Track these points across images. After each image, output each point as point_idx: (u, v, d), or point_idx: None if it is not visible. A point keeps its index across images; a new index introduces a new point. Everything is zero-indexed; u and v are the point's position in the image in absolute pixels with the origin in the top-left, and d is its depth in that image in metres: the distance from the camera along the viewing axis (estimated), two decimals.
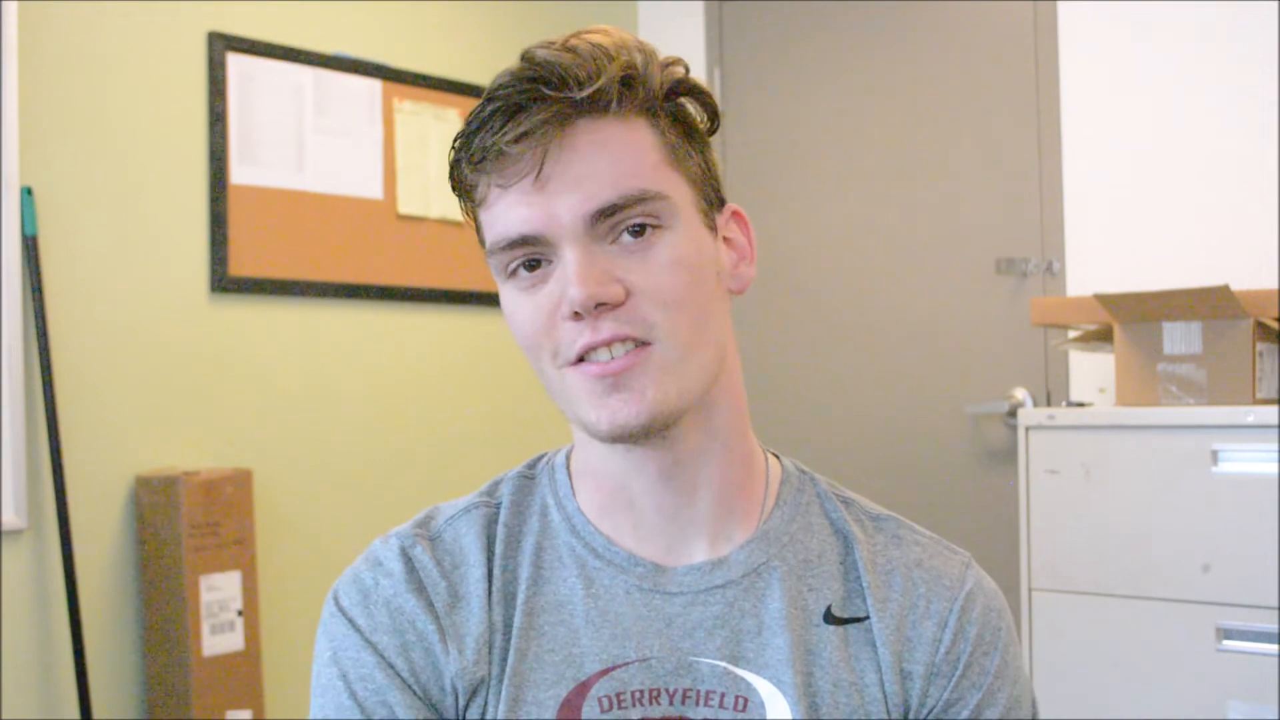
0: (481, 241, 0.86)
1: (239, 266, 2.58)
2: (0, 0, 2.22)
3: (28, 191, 2.27)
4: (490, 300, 2.98)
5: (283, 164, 2.66)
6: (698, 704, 0.84)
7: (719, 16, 3.25)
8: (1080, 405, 2.28)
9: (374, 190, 2.82)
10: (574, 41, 0.82)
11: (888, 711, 0.85)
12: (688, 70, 0.87)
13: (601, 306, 0.80)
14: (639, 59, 0.83)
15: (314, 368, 2.72)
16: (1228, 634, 1.91)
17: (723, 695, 0.84)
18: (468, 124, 0.83)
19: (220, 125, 2.56)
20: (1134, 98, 2.56)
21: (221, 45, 2.56)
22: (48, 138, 2.32)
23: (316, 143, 2.72)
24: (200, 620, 2.31)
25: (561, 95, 0.80)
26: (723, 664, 0.85)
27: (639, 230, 0.81)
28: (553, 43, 0.82)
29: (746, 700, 0.84)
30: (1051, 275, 2.69)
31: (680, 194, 0.84)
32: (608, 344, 0.80)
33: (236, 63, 2.59)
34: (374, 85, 2.83)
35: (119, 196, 2.43)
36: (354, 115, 2.79)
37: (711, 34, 3.25)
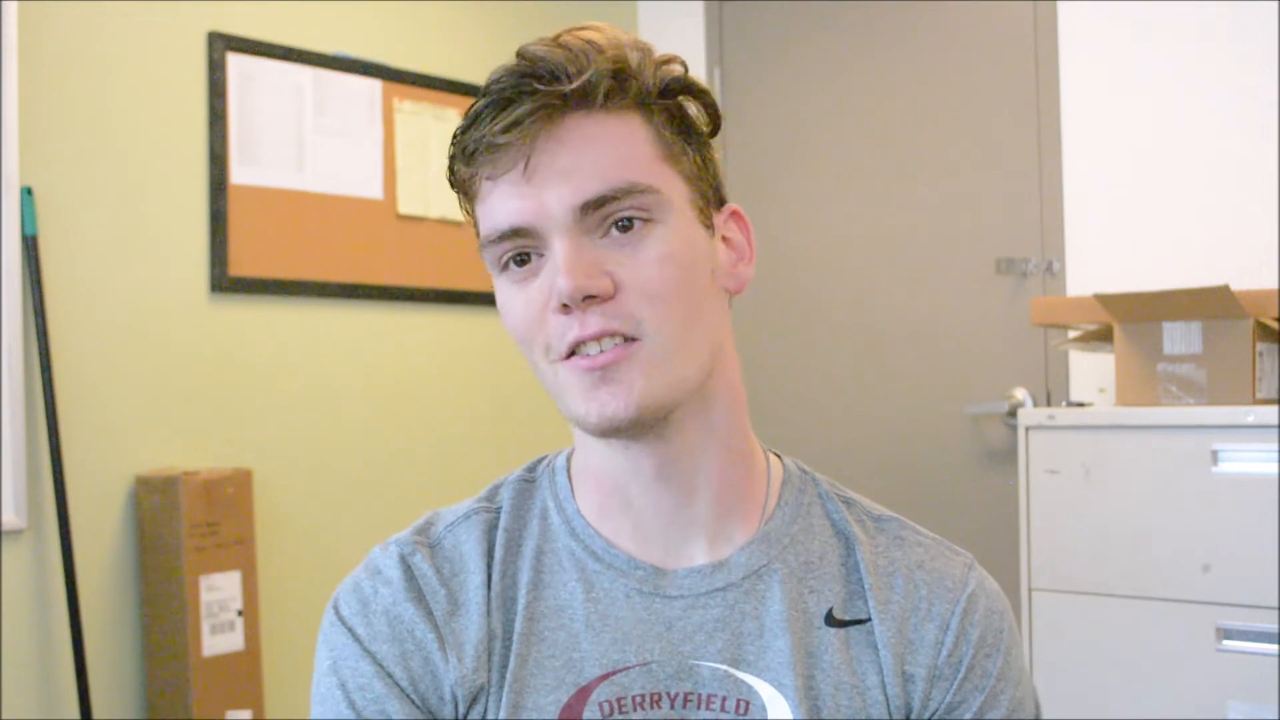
0: (479, 237, 0.87)
1: (239, 266, 2.58)
2: (1, 0, 2.22)
3: (28, 191, 2.27)
4: (490, 300, 2.97)
5: (283, 164, 2.66)
6: (699, 707, 0.83)
7: (719, 16, 3.25)
8: (1080, 405, 2.28)
9: (374, 190, 2.82)
10: (566, 38, 0.82)
11: (889, 714, 0.85)
12: (686, 69, 0.87)
13: (590, 299, 0.80)
14: (632, 55, 0.83)
15: (314, 368, 2.72)
16: (1228, 634, 1.91)
17: (724, 698, 0.84)
18: (463, 120, 0.84)
19: (220, 125, 2.56)
20: (1134, 98, 2.56)
21: (221, 45, 2.56)
22: (48, 138, 2.32)
23: (316, 143, 2.72)
24: (200, 620, 2.31)
25: (550, 88, 0.80)
26: (724, 667, 0.84)
27: (628, 224, 0.81)
28: (546, 39, 0.82)
29: (748, 703, 0.83)
30: (1051, 275, 2.69)
31: (673, 189, 0.84)
32: (596, 338, 0.80)
33: (236, 63, 2.59)
34: (374, 85, 2.83)
35: (119, 196, 2.42)
36: (354, 115, 2.79)
37: (711, 34, 3.25)
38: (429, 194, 2.91)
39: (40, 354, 2.26)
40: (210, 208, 2.55)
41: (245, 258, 2.59)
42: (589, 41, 0.82)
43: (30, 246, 2.26)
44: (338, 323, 2.76)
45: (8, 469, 2.21)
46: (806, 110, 3.10)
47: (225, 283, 2.56)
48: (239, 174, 2.59)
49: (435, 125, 2.93)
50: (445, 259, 2.93)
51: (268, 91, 2.65)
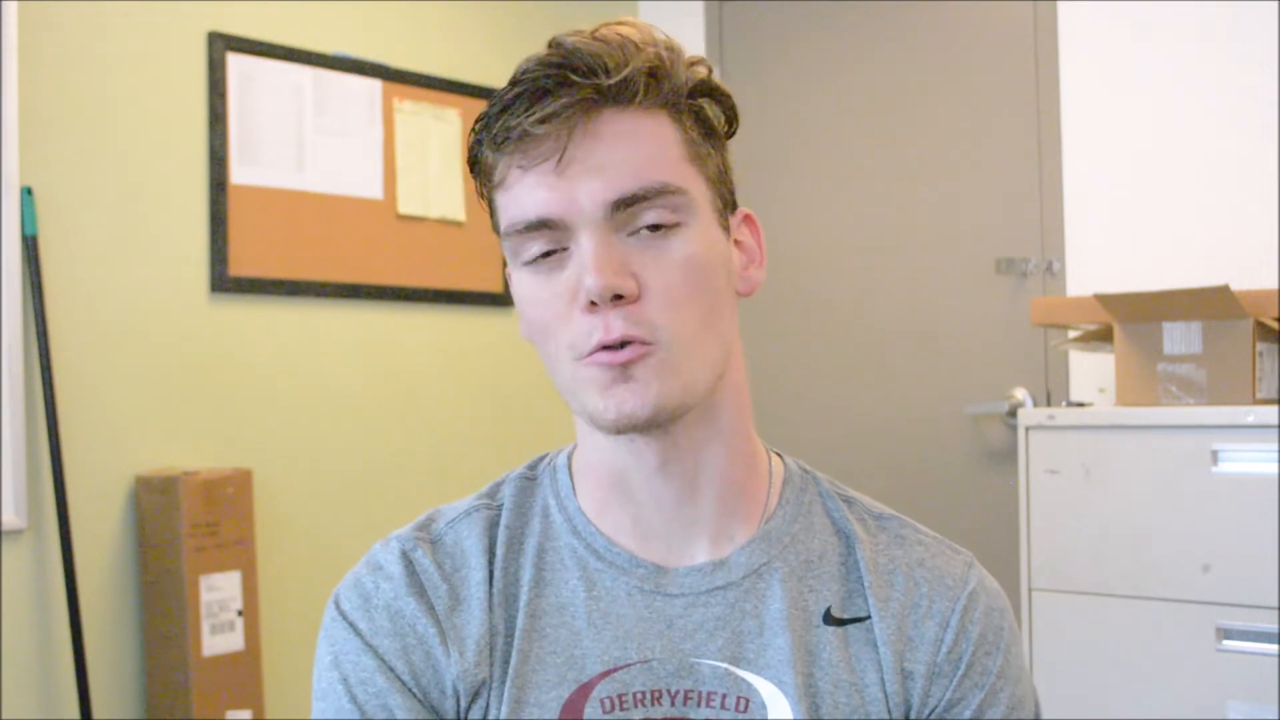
0: (495, 227, 0.86)
1: (239, 266, 2.58)
2: (1, 0, 2.22)
3: (28, 191, 2.27)
4: (490, 300, 2.98)
5: (283, 164, 2.66)
6: (699, 705, 0.84)
7: (719, 16, 3.25)
8: (1080, 405, 2.28)
9: (374, 190, 2.82)
10: (603, 31, 0.82)
11: (889, 711, 0.85)
12: (711, 71, 0.87)
13: (618, 299, 0.80)
14: (665, 54, 0.84)
15: (314, 368, 2.72)
16: (1228, 634, 1.91)
17: (724, 696, 0.84)
18: (491, 105, 0.83)
19: (220, 125, 2.56)
20: (1134, 98, 2.56)
21: (221, 45, 2.56)
22: (48, 138, 2.32)
23: (316, 143, 2.72)
24: (200, 620, 2.31)
25: (589, 82, 0.80)
26: (724, 665, 0.85)
27: (655, 224, 0.82)
28: (581, 31, 0.82)
29: (748, 701, 0.84)
30: (1051, 275, 2.69)
31: (698, 191, 0.85)
32: (618, 343, 0.81)
33: (236, 63, 2.59)
34: (374, 85, 2.83)
35: (119, 196, 2.43)
36: (354, 115, 2.79)
37: (711, 34, 3.25)
38: (429, 194, 2.91)
39: (40, 354, 2.26)
40: (210, 208, 2.55)
41: (245, 258, 2.59)
42: (625, 37, 0.82)
43: (30, 246, 2.26)
44: (338, 323, 2.76)
45: (8, 469, 2.21)
46: (806, 110, 3.10)
47: (225, 283, 2.56)
48: (239, 174, 2.59)
49: (435, 125, 2.93)
50: (445, 259, 2.93)
51: (268, 91, 2.65)
